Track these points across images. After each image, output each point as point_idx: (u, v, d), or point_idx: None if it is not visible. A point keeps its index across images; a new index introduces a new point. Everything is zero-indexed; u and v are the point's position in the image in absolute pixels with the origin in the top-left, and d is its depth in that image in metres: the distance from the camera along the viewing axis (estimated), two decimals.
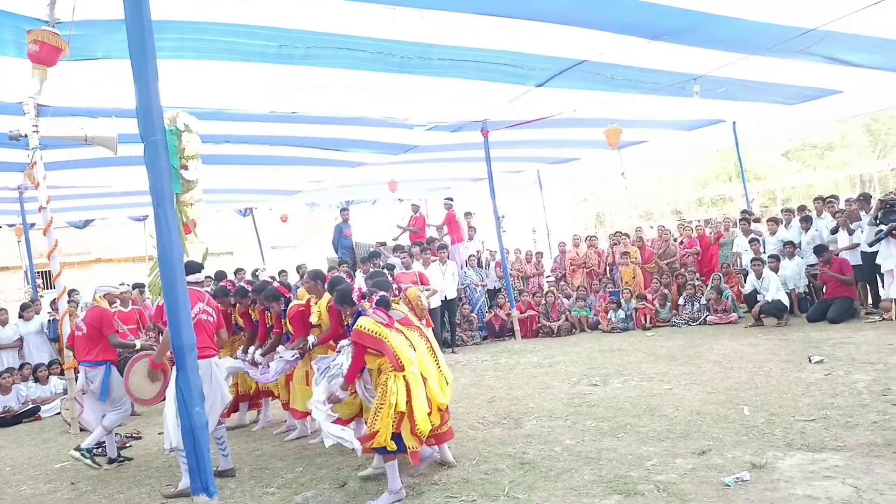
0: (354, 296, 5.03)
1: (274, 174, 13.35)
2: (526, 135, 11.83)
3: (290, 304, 6.58)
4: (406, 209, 16.44)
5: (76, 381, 6.97)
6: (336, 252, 13.64)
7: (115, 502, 5.31)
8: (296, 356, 6.28)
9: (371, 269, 8.14)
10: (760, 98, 10.75)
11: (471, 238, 14.06)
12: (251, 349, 6.84)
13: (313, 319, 6.34)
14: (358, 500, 4.66)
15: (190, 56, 6.41)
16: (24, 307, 10.89)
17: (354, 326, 4.79)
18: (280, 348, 6.47)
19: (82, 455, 6.14)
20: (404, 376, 4.64)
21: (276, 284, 7.06)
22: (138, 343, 6.73)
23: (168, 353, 5.25)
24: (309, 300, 6.47)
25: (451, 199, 14.07)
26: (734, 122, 13.28)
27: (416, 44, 6.73)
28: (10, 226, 15.85)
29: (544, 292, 12.60)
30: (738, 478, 4.16)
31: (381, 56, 6.93)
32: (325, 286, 6.19)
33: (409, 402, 4.61)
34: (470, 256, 13.29)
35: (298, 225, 27.96)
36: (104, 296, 6.65)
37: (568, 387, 7.48)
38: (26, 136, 7.25)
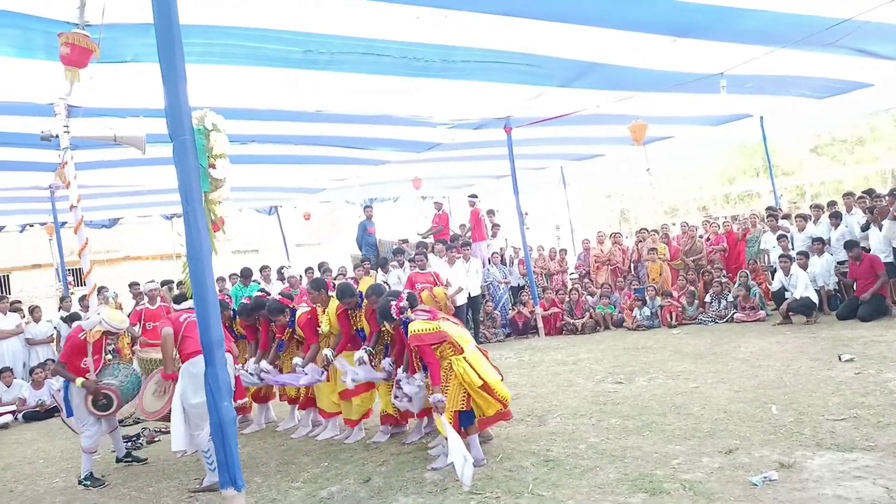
0: (393, 311, 5.25)
1: (298, 172, 13.47)
2: (549, 131, 11.78)
3: (298, 313, 6.59)
4: (429, 207, 16.48)
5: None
6: (360, 249, 13.72)
7: (145, 495, 5.41)
8: (323, 372, 6.31)
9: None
10: (788, 92, 10.60)
11: (494, 235, 14.05)
12: (252, 360, 6.78)
13: (324, 328, 6.40)
14: (382, 496, 4.69)
15: (216, 61, 6.50)
16: (62, 299, 11.15)
17: (410, 334, 5.11)
18: (297, 360, 6.46)
19: (84, 485, 5.82)
20: (464, 357, 5.00)
21: (278, 296, 7.14)
22: (78, 381, 5.79)
23: (173, 362, 5.38)
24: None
25: (476, 196, 14.06)
26: (761, 117, 13.10)
27: (439, 46, 6.75)
28: (42, 224, 16.20)
29: (568, 289, 12.54)
30: (765, 477, 4.11)
31: (404, 60, 6.97)
32: (335, 293, 6.30)
33: (479, 375, 4.99)
34: (493, 254, 13.28)
35: (322, 222, 28.17)
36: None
37: (592, 384, 7.45)
38: (57, 136, 7.38)
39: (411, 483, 4.89)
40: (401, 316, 5.25)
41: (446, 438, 4.76)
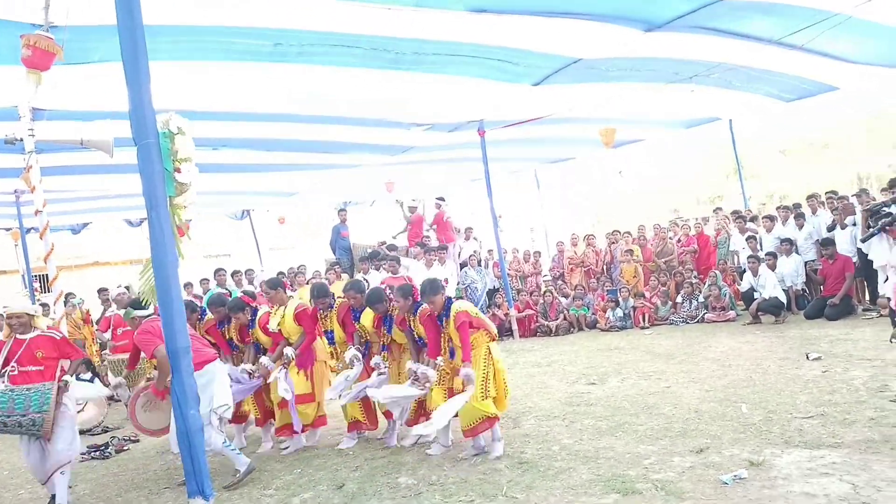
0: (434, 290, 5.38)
1: (271, 176, 13.34)
2: (522, 133, 11.83)
3: (297, 307, 6.29)
4: (403, 210, 16.46)
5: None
6: (334, 253, 13.66)
7: None
8: (281, 370, 6.10)
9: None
10: (756, 90, 10.73)
11: (467, 238, 14.06)
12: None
13: (272, 327, 6.26)
14: (356, 501, 4.66)
15: (185, 58, 6.41)
16: None
17: (458, 312, 5.20)
18: (264, 359, 6.26)
19: None
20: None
21: (240, 294, 7.03)
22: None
23: (168, 379, 5.06)
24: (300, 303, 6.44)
25: (443, 199, 14.06)
26: (730, 120, 13.30)
27: (410, 40, 6.71)
28: (7, 230, 15.85)
29: (542, 292, 12.59)
30: (735, 476, 4.16)
31: (375, 52, 6.90)
32: (310, 292, 6.26)
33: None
34: (470, 256, 13.29)
35: (296, 226, 27.97)
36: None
37: (566, 386, 7.48)
38: (22, 140, 7.24)
39: (385, 488, 4.85)
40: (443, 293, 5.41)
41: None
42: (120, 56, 3.33)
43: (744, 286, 10.59)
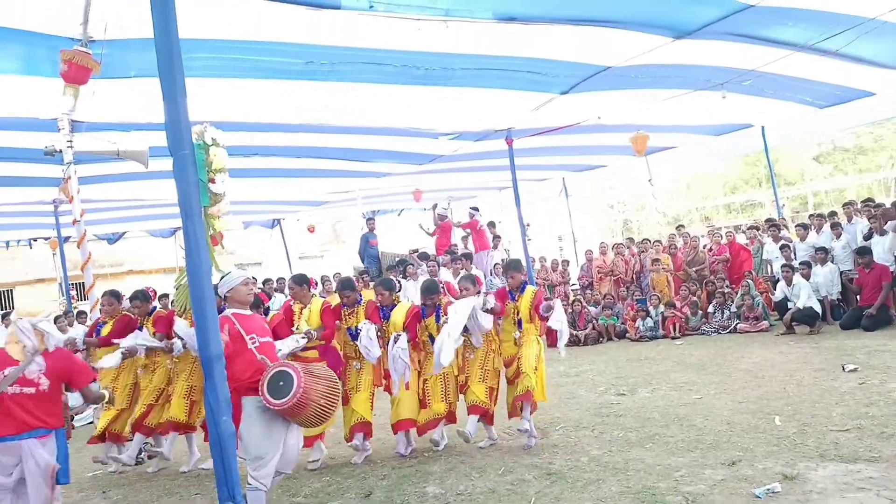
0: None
1: (300, 186, 13.52)
2: (551, 141, 11.80)
3: (323, 303, 6.26)
4: (430, 217, 16.54)
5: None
6: (362, 261, 13.73)
7: None
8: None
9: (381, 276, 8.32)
10: (788, 98, 10.58)
11: (495, 247, 14.06)
12: None
13: (301, 327, 6.15)
14: None
15: (218, 74, 6.54)
16: (56, 319, 11.11)
17: (533, 292, 6.11)
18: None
19: None
20: None
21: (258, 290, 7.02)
22: None
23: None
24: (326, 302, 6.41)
25: (477, 209, 14.11)
26: (763, 127, 13.10)
27: (440, 54, 6.77)
28: (46, 239, 16.28)
29: (570, 301, 12.52)
30: (769, 489, 4.09)
31: (405, 69, 6.99)
32: (336, 286, 6.31)
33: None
34: (496, 265, 13.28)
35: (325, 235, 28.24)
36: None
37: (595, 396, 7.42)
38: (61, 151, 7.45)
39: (413, 497, 4.87)
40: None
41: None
42: (156, 70, 3.41)
43: (777, 296, 10.41)
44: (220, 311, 5.50)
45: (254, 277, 5.25)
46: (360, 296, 6.42)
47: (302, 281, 6.34)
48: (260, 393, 4.04)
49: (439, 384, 6.00)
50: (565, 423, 6.37)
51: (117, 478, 6.46)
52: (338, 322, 6.30)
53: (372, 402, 6.15)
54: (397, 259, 13.04)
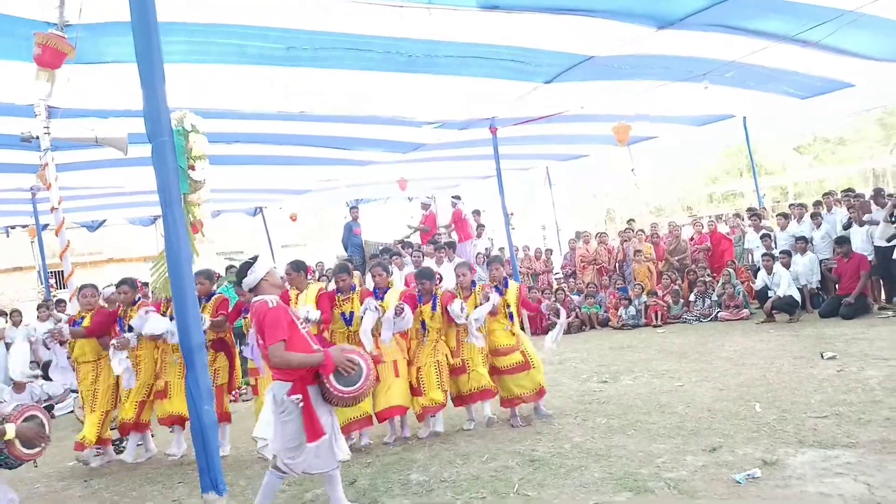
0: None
1: (283, 173, 13.40)
2: (534, 130, 11.80)
3: (319, 290, 6.27)
4: (416, 207, 16.49)
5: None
6: (346, 250, 13.69)
7: (128, 499, 5.36)
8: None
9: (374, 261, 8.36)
10: (771, 89, 10.65)
11: (479, 236, 14.06)
12: None
13: (296, 308, 6.21)
14: (368, 497, 4.68)
15: (198, 60, 6.44)
16: (38, 308, 10.99)
17: (519, 285, 6.54)
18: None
19: None
20: None
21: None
22: None
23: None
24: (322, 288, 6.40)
25: (459, 197, 14.10)
26: (745, 117, 13.19)
27: (423, 41, 6.72)
28: (24, 227, 16.02)
29: (554, 289, 12.57)
30: (749, 475, 4.14)
31: (388, 56, 6.93)
32: (333, 269, 6.35)
33: None
34: (478, 254, 13.28)
35: (308, 224, 28.08)
36: None
37: (578, 384, 7.47)
38: (38, 137, 7.31)
39: (397, 485, 4.87)
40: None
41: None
42: (134, 54, 3.35)
43: (758, 284, 10.51)
44: (243, 307, 5.22)
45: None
46: (354, 283, 6.46)
47: (299, 267, 6.37)
48: (326, 381, 3.88)
49: (433, 372, 6.05)
50: (549, 411, 6.39)
51: (98, 467, 6.40)
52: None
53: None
54: (381, 248, 13.01)
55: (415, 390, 6.08)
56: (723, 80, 9.41)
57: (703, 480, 4.20)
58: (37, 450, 3.61)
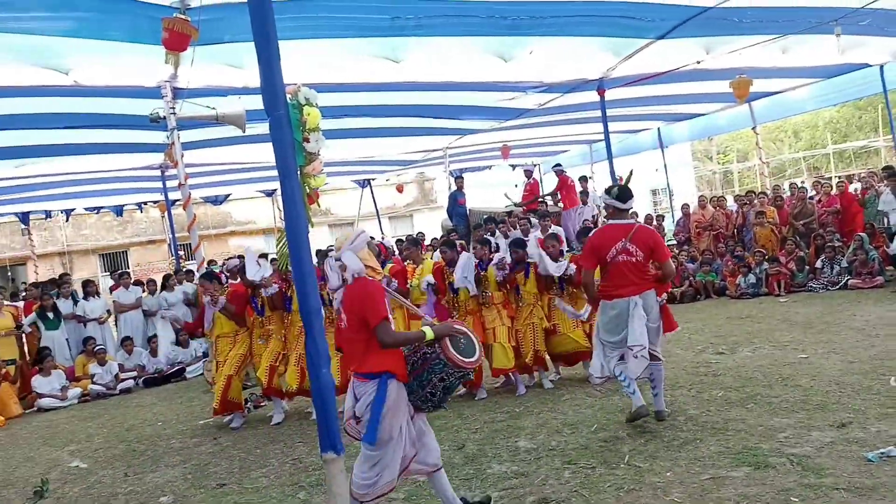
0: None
1: (389, 145, 13.64)
2: (645, 91, 11.31)
3: (435, 263, 6.95)
4: (519, 175, 16.30)
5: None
6: (451, 220, 13.79)
7: (253, 457, 5.73)
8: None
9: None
10: None
11: (584, 203, 13.75)
12: None
13: (413, 283, 6.78)
14: (476, 462, 4.75)
15: (307, 35, 6.63)
16: (166, 278, 11.82)
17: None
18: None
19: None
20: None
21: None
22: None
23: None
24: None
25: (560, 165, 13.95)
26: (882, 66, 12.01)
27: (527, 3, 6.60)
28: (155, 202, 17.27)
29: None
30: (883, 453, 3.85)
31: (492, 20, 6.86)
32: (440, 244, 6.90)
33: None
34: (584, 221, 12.98)
35: (414, 194, 28.51)
36: None
37: (692, 355, 7.21)
38: (164, 118, 7.80)
39: (505, 451, 4.92)
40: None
41: None
42: (250, 34, 3.48)
43: (893, 249, 9.67)
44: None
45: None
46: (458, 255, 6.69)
47: (416, 242, 7.09)
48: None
49: (529, 333, 6.57)
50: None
51: (226, 426, 6.88)
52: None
53: None
54: (485, 217, 12.99)
55: (515, 350, 6.58)
56: (856, 27, 8.60)
57: (830, 458, 3.96)
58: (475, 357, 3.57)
